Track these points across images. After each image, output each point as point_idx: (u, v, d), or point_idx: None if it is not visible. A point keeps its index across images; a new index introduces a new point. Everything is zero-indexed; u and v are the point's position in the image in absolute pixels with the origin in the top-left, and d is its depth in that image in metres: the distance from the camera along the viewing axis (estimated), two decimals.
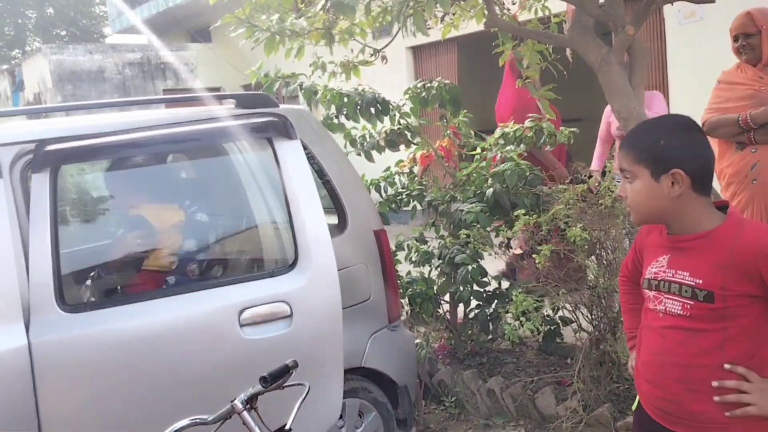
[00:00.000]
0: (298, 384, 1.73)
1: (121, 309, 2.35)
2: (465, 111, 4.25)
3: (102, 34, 19.86)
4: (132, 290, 2.76)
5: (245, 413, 1.67)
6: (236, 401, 1.69)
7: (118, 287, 2.79)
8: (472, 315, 4.02)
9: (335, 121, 4.03)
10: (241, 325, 2.36)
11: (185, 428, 1.70)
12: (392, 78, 8.02)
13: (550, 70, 3.89)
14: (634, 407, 1.80)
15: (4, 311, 2.13)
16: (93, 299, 2.61)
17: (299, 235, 2.46)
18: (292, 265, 2.49)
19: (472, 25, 3.86)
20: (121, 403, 2.26)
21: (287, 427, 1.69)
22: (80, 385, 2.21)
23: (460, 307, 4.13)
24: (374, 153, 4.20)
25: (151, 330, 2.31)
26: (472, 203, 3.80)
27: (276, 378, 1.66)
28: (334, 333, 2.47)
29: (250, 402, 1.70)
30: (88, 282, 2.83)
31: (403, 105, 4.08)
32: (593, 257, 3.23)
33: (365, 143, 4.19)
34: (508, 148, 3.91)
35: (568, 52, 3.46)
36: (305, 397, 1.74)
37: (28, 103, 12.44)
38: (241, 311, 2.36)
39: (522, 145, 4.01)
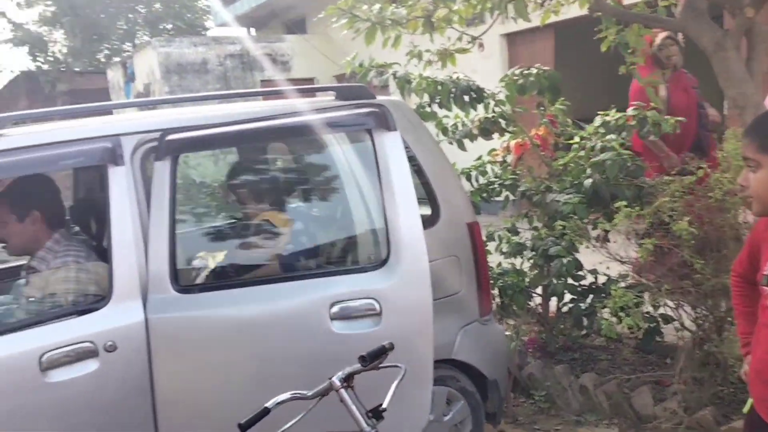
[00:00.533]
0: (394, 366, 1.76)
1: (227, 293, 2.47)
2: (563, 99, 4.13)
3: (204, 27, 20.74)
4: (237, 276, 2.88)
5: (342, 390, 1.72)
6: (334, 378, 1.74)
7: (226, 273, 2.91)
8: (565, 309, 3.93)
9: (428, 109, 4.03)
10: (332, 318, 2.37)
11: (286, 401, 1.76)
12: (485, 66, 7.92)
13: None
14: (745, 409, 1.71)
15: (125, 290, 2.28)
16: (204, 282, 2.75)
17: (392, 233, 2.41)
18: (384, 263, 2.44)
19: (571, 10, 3.74)
20: (222, 378, 2.38)
21: (383, 406, 1.73)
22: (189, 359, 2.35)
23: (553, 301, 4.04)
24: (466, 141, 4.17)
25: (253, 314, 2.40)
26: (569, 194, 3.70)
27: (374, 357, 1.70)
28: (423, 335, 2.40)
29: (348, 380, 1.74)
30: (200, 266, 3.00)
31: (498, 92, 4.02)
32: (699, 253, 3.07)
33: (457, 132, 4.16)
34: (609, 137, 3.77)
35: (679, 36, 3.28)
36: (401, 379, 1.77)
37: (138, 94, 13.19)
38: (332, 304, 2.38)
39: (624, 134, 3.86)
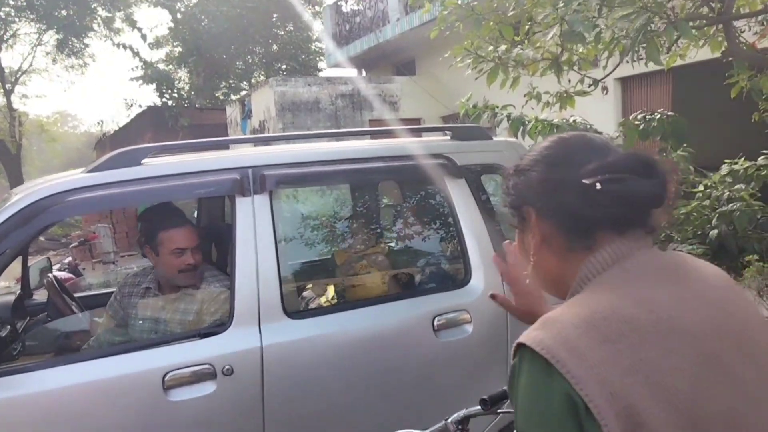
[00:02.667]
0: (511, 411, 1.70)
1: (335, 316, 2.58)
2: (685, 145, 3.95)
3: (317, 68, 21.63)
4: (344, 300, 2.98)
5: None
6: (450, 421, 1.70)
7: (333, 297, 3.02)
8: None
9: None
10: (435, 330, 2.64)
11: None
12: (598, 109, 7.73)
13: None
14: None
15: (245, 316, 2.38)
16: (310, 307, 2.83)
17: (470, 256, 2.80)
18: (468, 281, 2.80)
19: (696, 54, 3.60)
20: (332, 398, 2.45)
21: None
22: (300, 382, 2.41)
23: None
24: None
25: (362, 334, 2.53)
26: (692, 245, 3.51)
27: (496, 402, 1.65)
28: (502, 338, 2.74)
29: (463, 423, 1.70)
30: (306, 293, 3.10)
31: (617, 137, 3.90)
32: None
33: None
34: (737, 186, 3.56)
35: None
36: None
37: (254, 130, 13.86)
38: (434, 317, 2.66)
39: (752, 184, 3.63)
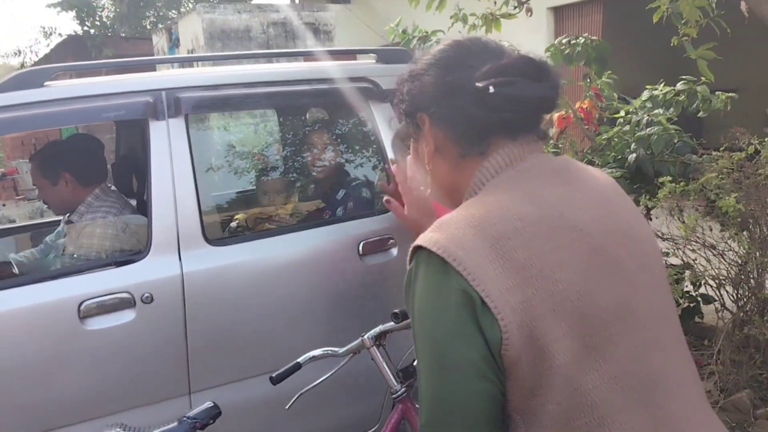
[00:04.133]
0: None
1: (259, 242, 2.57)
2: (610, 72, 4.01)
3: None
4: (265, 228, 2.97)
5: (374, 349, 1.72)
6: (366, 337, 1.74)
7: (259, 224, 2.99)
8: None
9: None
10: (360, 255, 2.63)
11: (317, 358, 1.77)
12: (531, 39, 7.74)
13: (709, 28, 3.56)
14: None
15: (163, 244, 2.32)
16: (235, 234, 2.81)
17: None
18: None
19: None
20: (256, 323, 2.46)
21: (414, 364, 1.72)
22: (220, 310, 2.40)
23: None
24: None
25: (286, 260, 2.54)
26: (611, 168, 3.61)
27: (407, 315, 1.68)
28: None
29: (379, 338, 1.74)
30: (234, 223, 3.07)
31: None
32: (745, 232, 2.97)
33: None
34: (655, 111, 3.65)
35: (743, 6, 3.12)
36: None
37: None
38: (360, 243, 2.64)
39: (671, 109, 3.73)
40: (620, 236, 1.01)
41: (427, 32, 3.97)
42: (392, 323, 1.71)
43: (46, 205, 2.78)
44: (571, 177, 1.04)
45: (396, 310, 1.69)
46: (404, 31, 4.02)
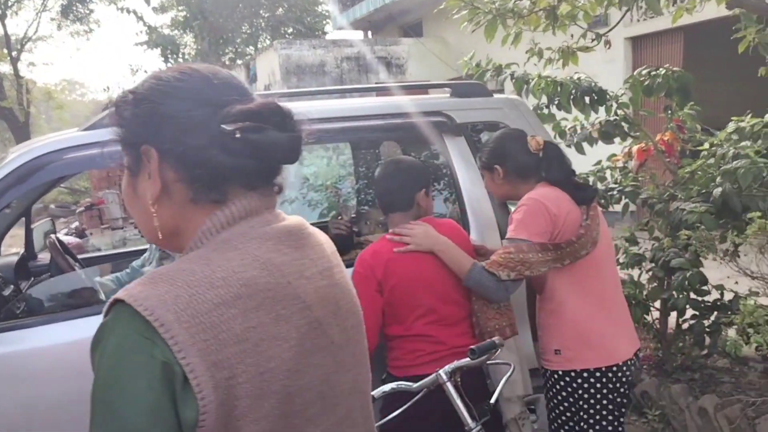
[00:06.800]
0: (504, 363, 1.72)
1: None
2: (692, 103, 3.89)
3: (324, 31, 21.38)
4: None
5: (449, 384, 1.70)
6: (441, 372, 1.72)
7: None
8: (686, 325, 3.69)
9: (545, 111, 3.92)
10: None
11: (389, 393, 1.76)
12: (608, 70, 7.62)
13: None
14: None
15: None
16: None
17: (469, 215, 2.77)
18: None
19: (705, 10, 3.51)
20: None
21: (491, 401, 1.69)
22: None
23: (672, 316, 3.81)
24: (585, 145, 4.01)
25: None
26: (695, 203, 3.47)
27: (483, 352, 1.66)
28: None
29: (454, 374, 1.72)
30: None
31: (623, 95, 3.84)
32: None
33: (576, 134, 4.02)
34: (742, 144, 3.50)
35: None
36: (510, 376, 1.72)
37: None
38: None
39: (759, 141, 3.57)
40: (334, 309, 0.97)
41: (501, 65, 3.97)
42: (467, 359, 1.69)
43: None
44: (303, 242, 0.98)
45: (473, 347, 1.67)
46: (478, 65, 4.03)
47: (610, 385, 2.19)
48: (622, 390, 2.22)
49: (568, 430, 2.24)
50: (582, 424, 2.21)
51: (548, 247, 2.06)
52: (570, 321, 2.16)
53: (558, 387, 2.22)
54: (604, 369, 2.17)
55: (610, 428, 2.22)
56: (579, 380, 2.17)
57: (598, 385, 2.18)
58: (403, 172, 2.20)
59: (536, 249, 2.02)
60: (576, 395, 2.19)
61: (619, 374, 2.20)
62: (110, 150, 2.26)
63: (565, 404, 2.22)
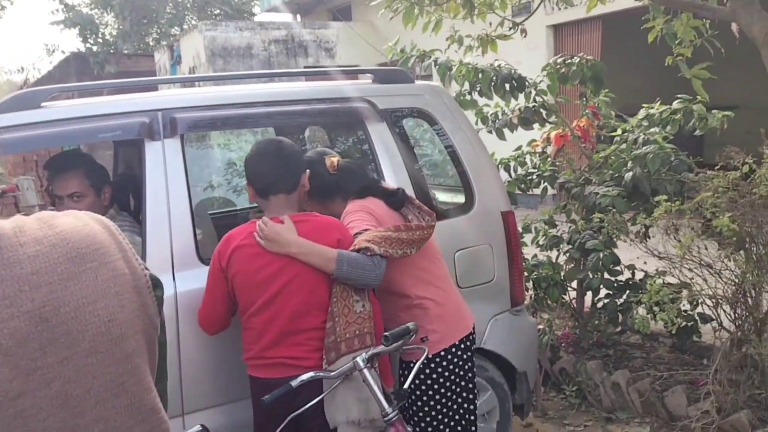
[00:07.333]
0: (418, 347, 1.75)
1: None
2: (607, 90, 4.04)
3: (251, 12, 20.89)
4: None
5: (366, 371, 1.72)
6: (358, 359, 1.74)
7: None
8: (600, 304, 3.86)
9: (468, 97, 3.98)
10: None
11: (309, 380, 1.77)
12: (530, 57, 7.79)
13: (705, 48, 3.59)
14: None
15: (157, 263, 2.32)
16: None
17: None
18: None
19: (620, 1, 3.64)
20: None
21: (403, 389, 1.72)
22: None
23: (588, 295, 3.97)
24: (506, 131, 4.11)
25: None
26: (608, 187, 3.62)
27: (397, 338, 1.69)
28: None
29: (371, 361, 1.74)
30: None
31: (540, 82, 3.95)
32: (742, 251, 2.97)
33: (497, 120, 4.11)
34: (652, 130, 3.67)
35: (734, 27, 3.15)
36: (423, 359, 1.76)
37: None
38: None
39: (668, 128, 3.75)
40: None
41: (425, 51, 4.01)
42: (383, 346, 1.72)
43: None
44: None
45: (386, 333, 1.69)
46: (402, 50, 4.05)
47: (470, 353, 2.38)
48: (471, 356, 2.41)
49: (428, 413, 2.32)
50: (445, 399, 2.31)
51: (399, 227, 2.15)
52: (431, 306, 2.28)
53: (426, 373, 2.29)
54: (465, 337, 2.35)
55: (471, 396, 2.39)
56: (449, 356, 2.28)
57: (465, 355, 2.34)
58: (287, 150, 2.16)
59: (389, 229, 2.12)
60: (447, 372, 2.30)
61: (471, 339, 2.41)
62: (8, 136, 2.16)
63: (433, 388, 2.30)
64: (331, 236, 2.08)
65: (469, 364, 2.38)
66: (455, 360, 2.30)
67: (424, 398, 2.29)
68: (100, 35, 19.44)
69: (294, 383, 1.82)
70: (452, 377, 2.30)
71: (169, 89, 2.92)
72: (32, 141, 2.25)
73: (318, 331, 2.02)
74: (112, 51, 18.83)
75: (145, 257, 2.31)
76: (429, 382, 2.28)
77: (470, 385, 2.39)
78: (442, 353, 2.28)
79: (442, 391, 2.29)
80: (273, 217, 2.09)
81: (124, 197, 3.28)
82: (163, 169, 2.37)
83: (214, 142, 4.01)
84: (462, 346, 2.34)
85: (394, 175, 2.79)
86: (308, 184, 2.23)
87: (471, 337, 2.40)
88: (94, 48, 18.95)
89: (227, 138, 3.87)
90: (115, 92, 2.74)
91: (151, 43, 20.29)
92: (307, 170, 2.20)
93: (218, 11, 20.59)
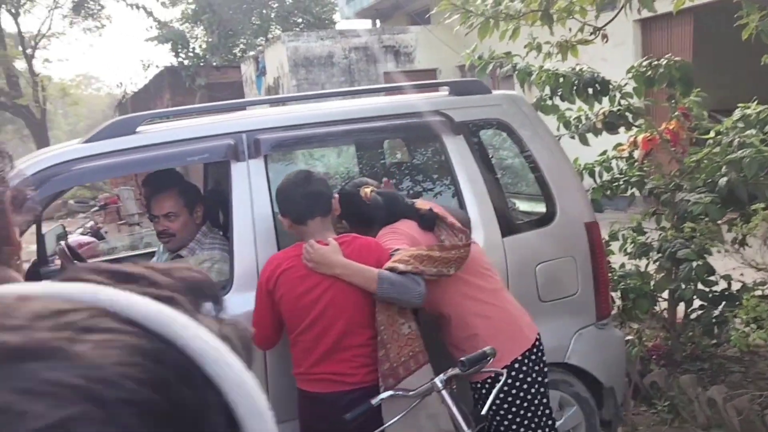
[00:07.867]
0: (494, 371, 1.74)
1: None
2: (698, 90, 3.84)
3: (332, 20, 21.29)
4: None
5: (444, 392, 1.72)
6: (436, 380, 1.74)
7: None
8: (693, 316, 3.69)
9: (549, 102, 3.90)
10: None
11: (389, 398, 1.79)
12: (616, 54, 7.52)
13: None
14: None
15: (244, 280, 2.41)
16: None
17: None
18: None
19: None
20: None
21: (483, 413, 1.71)
22: None
23: (680, 306, 3.80)
24: (590, 136, 3.99)
25: None
26: (701, 193, 3.45)
27: (473, 363, 1.68)
28: None
29: (449, 382, 1.74)
30: None
31: (625, 84, 3.81)
32: None
33: (581, 125, 4.00)
34: (748, 132, 3.46)
35: None
36: (501, 385, 1.74)
37: (268, 87, 13.80)
38: None
39: (766, 128, 3.53)
40: None
41: (504, 56, 3.95)
42: (458, 370, 1.72)
43: (164, 237, 2.74)
44: None
45: (463, 359, 1.69)
46: (480, 57, 4.01)
47: (538, 366, 2.31)
48: (541, 367, 2.35)
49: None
50: (519, 418, 2.26)
51: (432, 247, 2.17)
52: (480, 325, 2.24)
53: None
54: (528, 350, 2.29)
55: (542, 407, 2.32)
56: (513, 372, 2.23)
57: (531, 371, 2.28)
58: (314, 177, 2.29)
59: (420, 248, 2.15)
60: (514, 390, 2.24)
61: (537, 352, 2.34)
62: (108, 162, 2.32)
63: (503, 408, 2.25)
64: (373, 257, 2.16)
65: (540, 378, 2.32)
66: (521, 376, 2.25)
67: (497, 418, 2.26)
68: (190, 49, 20.33)
69: (374, 401, 1.85)
70: (521, 393, 2.25)
71: (254, 110, 3.02)
72: (129, 166, 2.40)
73: (362, 348, 2.12)
74: (201, 64, 19.67)
75: (233, 274, 2.41)
76: (498, 401, 2.24)
77: (544, 400, 2.34)
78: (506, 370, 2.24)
79: (514, 410, 2.25)
80: (318, 240, 2.17)
81: (214, 213, 3.44)
82: (248, 188, 2.47)
83: (298, 159, 4.13)
84: (526, 360, 2.28)
85: (470, 187, 2.78)
86: (339, 207, 2.32)
87: (537, 351, 2.34)
88: (186, 62, 19.84)
89: (310, 153, 3.96)
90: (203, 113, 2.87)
91: (238, 54, 21.06)
92: (336, 194, 2.32)
93: (300, 20, 21.11)
